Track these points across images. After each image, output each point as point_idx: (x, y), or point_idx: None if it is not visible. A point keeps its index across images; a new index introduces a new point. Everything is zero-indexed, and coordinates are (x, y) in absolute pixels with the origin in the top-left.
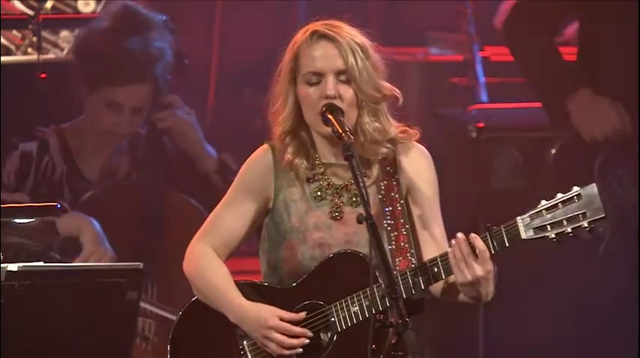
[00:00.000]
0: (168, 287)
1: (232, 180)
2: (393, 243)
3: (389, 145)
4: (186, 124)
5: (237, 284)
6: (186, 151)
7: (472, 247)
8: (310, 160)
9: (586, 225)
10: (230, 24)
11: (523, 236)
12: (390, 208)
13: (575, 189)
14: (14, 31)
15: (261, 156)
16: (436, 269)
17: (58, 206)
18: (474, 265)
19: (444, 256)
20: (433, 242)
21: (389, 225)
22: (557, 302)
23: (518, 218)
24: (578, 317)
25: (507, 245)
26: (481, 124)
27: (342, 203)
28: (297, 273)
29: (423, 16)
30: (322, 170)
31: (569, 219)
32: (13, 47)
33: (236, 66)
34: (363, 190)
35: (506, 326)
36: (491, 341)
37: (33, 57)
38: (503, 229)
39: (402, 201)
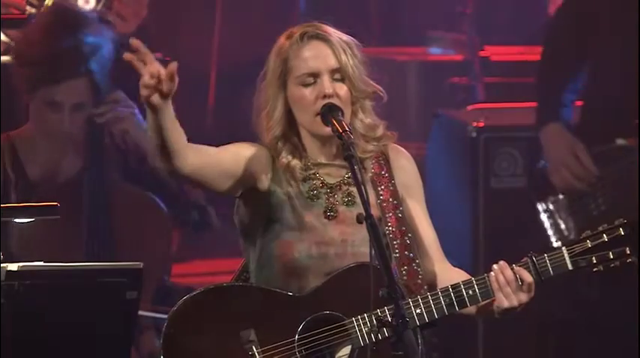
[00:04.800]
0: None
1: None
2: (397, 251)
3: (376, 143)
4: (127, 121)
5: (246, 287)
6: (136, 147)
7: (515, 274)
8: (303, 162)
9: (632, 257)
10: (230, 23)
11: (569, 267)
12: (390, 214)
13: (620, 220)
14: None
15: (259, 147)
16: (471, 292)
17: (58, 206)
18: (519, 292)
19: (480, 279)
20: (431, 247)
21: (391, 232)
22: (558, 301)
23: (564, 248)
24: (577, 317)
25: (552, 274)
26: (481, 124)
27: (337, 202)
28: (293, 272)
29: (423, 15)
30: (315, 170)
31: (614, 251)
32: (13, 44)
33: (236, 66)
34: (363, 190)
35: (507, 325)
36: (492, 341)
37: None
38: (547, 259)
39: (401, 208)
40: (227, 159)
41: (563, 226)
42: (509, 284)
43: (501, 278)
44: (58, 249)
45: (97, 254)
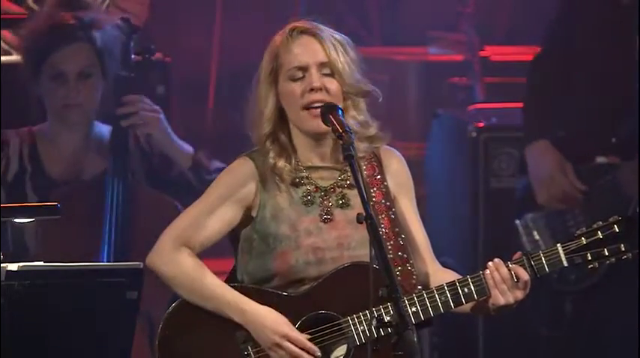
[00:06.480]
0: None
1: (206, 178)
2: (391, 252)
3: (367, 142)
4: (151, 124)
5: (240, 287)
6: (160, 151)
7: (510, 271)
8: (292, 164)
9: (628, 254)
10: (230, 24)
11: (564, 263)
12: (383, 216)
13: (615, 217)
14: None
15: (243, 165)
16: (467, 290)
17: (58, 206)
18: (514, 289)
19: (476, 276)
20: (422, 248)
21: (384, 233)
22: (557, 301)
23: (559, 245)
24: (578, 316)
25: (547, 271)
26: (481, 124)
27: (331, 205)
28: (292, 280)
29: (423, 15)
30: (306, 174)
31: (609, 248)
32: (10, 48)
33: (236, 66)
34: (364, 190)
35: (507, 325)
36: (492, 340)
37: None
38: (542, 255)
39: (393, 209)
40: (218, 232)
41: (540, 242)
42: (504, 282)
43: (497, 275)
44: (77, 248)
45: (116, 255)
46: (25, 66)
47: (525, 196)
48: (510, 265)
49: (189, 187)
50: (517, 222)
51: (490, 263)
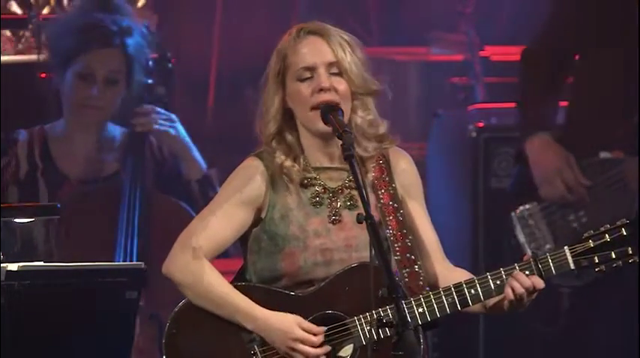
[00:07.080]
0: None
1: (210, 195)
2: (398, 253)
3: (377, 142)
4: (166, 135)
5: (248, 287)
6: (173, 159)
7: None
8: (301, 165)
9: (634, 257)
10: (230, 23)
11: (572, 266)
12: (390, 217)
13: (623, 220)
14: (8, 33)
15: (252, 166)
16: (473, 291)
17: (58, 206)
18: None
19: (482, 278)
20: (432, 248)
21: (392, 235)
22: (557, 301)
23: (566, 247)
24: (578, 316)
25: (554, 273)
26: (481, 124)
27: (339, 206)
28: (300, 280)
29: (423, 16)
30: (315, 175)
31: (617, 251)
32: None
33: (236, 66)
34: (364, 190)
35: (508, 325)
36: (492, 341)
37: (32, 57)
38: (550, 258)
39: (401, 211)
40: (230, 237)
41: (539, 235)
42: (525, 289)
43: (517, 286)
44: (89, 251)
45: (130, 256)
46: (53, 58)
47: (517, 190)
48: (532, 279)
49: (193, 199)
50: (512, 214)
51: (512, 280)
